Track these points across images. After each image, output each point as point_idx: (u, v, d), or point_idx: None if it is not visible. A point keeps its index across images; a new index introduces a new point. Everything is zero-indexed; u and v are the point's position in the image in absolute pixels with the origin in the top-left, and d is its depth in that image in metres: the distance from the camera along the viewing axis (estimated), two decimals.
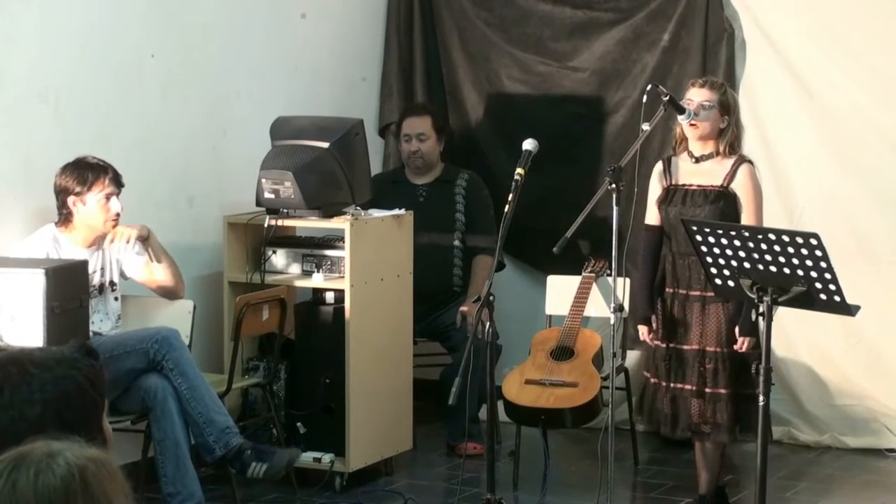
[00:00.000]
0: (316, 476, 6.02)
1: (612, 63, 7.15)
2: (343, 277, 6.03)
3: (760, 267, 4.55)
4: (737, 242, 4.59)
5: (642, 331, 5.53)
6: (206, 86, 6.42)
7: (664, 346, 5.49)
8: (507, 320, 6.58)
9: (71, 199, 5.41)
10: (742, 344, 5.31)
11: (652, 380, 5.57)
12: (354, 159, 6.09)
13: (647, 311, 5.51)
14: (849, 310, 4.52)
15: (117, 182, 5.47)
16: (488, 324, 4.92)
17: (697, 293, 5.41)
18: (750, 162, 5.45)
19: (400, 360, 6.33)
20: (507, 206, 4.98)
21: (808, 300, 4.52)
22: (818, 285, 4.46)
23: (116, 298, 5.67)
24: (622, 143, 6.76)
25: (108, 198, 5.44)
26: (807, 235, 4.45)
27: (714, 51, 6.84)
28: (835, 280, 4.43)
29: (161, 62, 6.16)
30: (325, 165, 5.99)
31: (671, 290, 5.47)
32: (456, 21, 7.50)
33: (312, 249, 6.20)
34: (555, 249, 5.01)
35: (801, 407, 6.82)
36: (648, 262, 5.54)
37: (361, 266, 6.01)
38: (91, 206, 5.42)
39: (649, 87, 5.27)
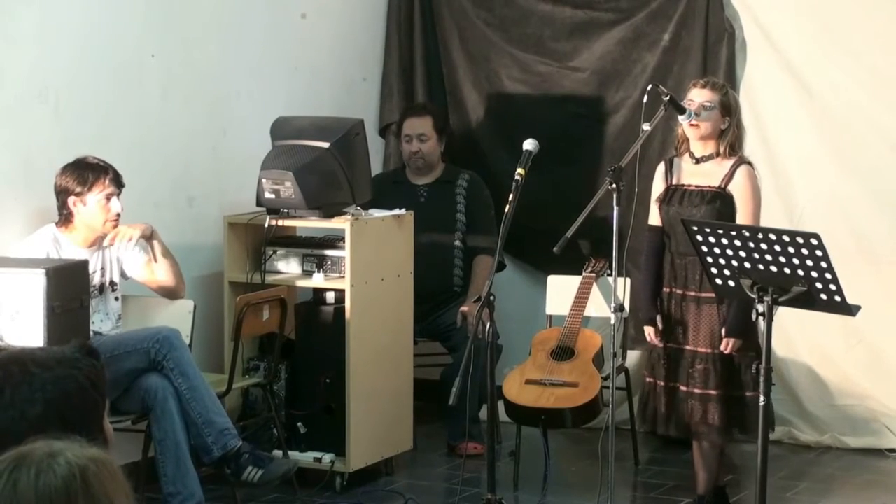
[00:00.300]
0: (316, 476, 6.02)
1: (612, 63, 7.14)
2: (343, 277, 6.03)
3: (761, 267, 4.55)
4: (737, 242, 4.59)
5: (648, 332, 5.52)
6: (207, 86, 6.42)
7: (661, 345, 5.49)
8: (507, 320, 6.58)
9: (71, 200, 5.41)
10: (726, 345, 5.31)
11: (648, 379, 5.57)
12: (355, 159, 6.09)
13: (651, 311, 5.50)
14: (849, 310, 4.52)
15: (118, 182, 5.47)
16: (489, 324, 4.92)
17: (693, 294, 5.40)
18: (749, 163, 5.44)
19: (400, 360, 6.33)
20: (507, 207, 4.98)
21: (808, 300, 4.52)
22: (818, 285, 4.46)
23: (117, 298, 5.67)
24: (622, 143, 6.77)
25: (108, 198, 5.44)
26: (807, 235, 4.45)
27: (714, 51, 6.84)
28: (835, 280, 4.43)
29: (161, 62, 6.16)
30: (325, 165, 5.99)
31: (668, 290, 5.47)
32: (456, 21, 7.50)
33: (313, 249, 6.20)
34: (555, 249, 5.02)
35: (802, 407, 6.82)
36: (652, 263, 5.54)
37: (362, 266, 6.01)
38: (91, 206, 5.42)
39: (650, 87, 5.28)
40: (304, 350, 6.23)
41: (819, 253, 4.41)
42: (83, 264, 5.19)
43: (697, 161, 5.43)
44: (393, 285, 6.22)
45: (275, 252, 6.22)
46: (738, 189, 5.37)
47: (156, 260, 5.65)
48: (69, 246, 5.46)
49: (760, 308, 4.54)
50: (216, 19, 6.47)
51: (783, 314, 5.30)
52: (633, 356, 6.76)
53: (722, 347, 5.32)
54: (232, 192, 6.43)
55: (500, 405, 6.17)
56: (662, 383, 5.48)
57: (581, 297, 6.38)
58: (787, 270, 4.49)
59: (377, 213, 6.19)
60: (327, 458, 6.00)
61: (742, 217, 5.33)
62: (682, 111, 5.32)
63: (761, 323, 4.63)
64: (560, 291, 6.57)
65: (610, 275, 5.44)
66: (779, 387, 6.29)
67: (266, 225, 6.05)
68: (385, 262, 6.18)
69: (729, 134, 5.41)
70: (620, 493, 5.87)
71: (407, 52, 7.53)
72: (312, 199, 5.96)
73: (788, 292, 4.51)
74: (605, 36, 7.15)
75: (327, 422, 6.09)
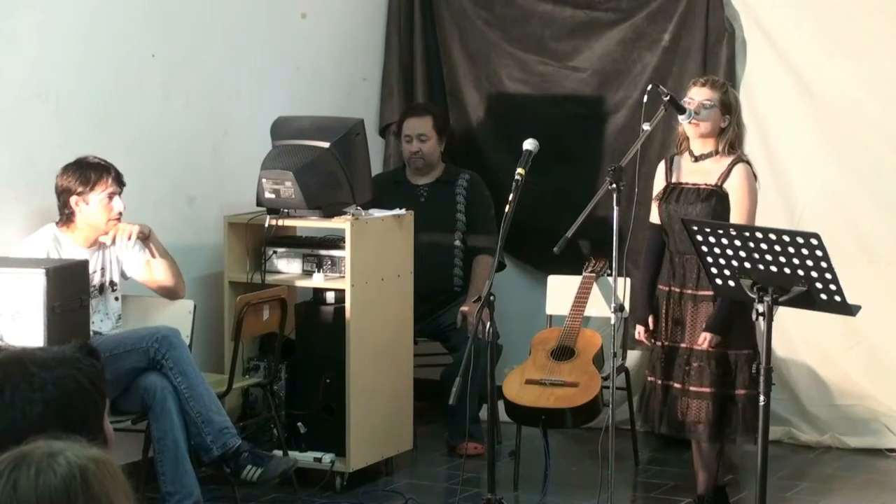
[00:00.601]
0: (316, 476, 6.02)
1: (612, 63, 7.15)
2: (343, 277, 6.03)
3: (761, 267, 4.55)
4: (737, 242, 4.59)
5: (638, 331, 5.53)
6: (207, 86, 6.43)
7: (660, 344, 5.49)
8: (507, 320, 6.58)
9: (73, 199, 5.41)
10: (703, 340, 5.31)
11: (650, 378, 5.57)
12: (355, 159, 6.09)
13: (644, 311, 5.51)
14: (849, 310, 4.52)
15: (119, 181, 5.48)
16: (489, 324, 4.92)
17: (690, 292, 5.40)
18: (747, 162, 5.43)
19: (400, 360, 6.33)
20: (507, 206, 4.98)
21: (808, 300, 4.52)
22: (819, 285, 4.46)
23: (117, 298, 5.68)
24: (623, 143, 6.76)
25: (110, 197, 5.45)
26: (807, 235, 4.45)
27: (715, 51, 6.84)
28: (835, 280, 4.43)
29: (161, 62, 6.16)
30: (325, 165, 5.99)
31: (667, 288, 5.47)
32: (456, 21, 7.50)
33: (313, 249, 6.20)
34: (555, 249, 5.02)
35: (802, 407, 6.82)
36: (651, 261, 5.54)
37: (362, 266, 6.01)
38: (94, 205, 5.43)
39: (650, 87, 5.28)
40: (305, 350, 6.23)
41: (819, 253, 4.41)
42: (83, 264, 5.19)
43: (696, 159, 5.43)
44: (393, 285, 6.22)
45: (275, 252, 6.22)
46: (734, 187, 5.36)
47: (154, 258, 5.65)
48: (70, 245, 5.46)
49: (760, 308, 4.54)
50: (217, 19, 6.47)
51: (783, 314, 5.30)
52: (633, 356, 6.76)
53: (699, 342, 5.32)
54: (232, 191, 6.43)
55: (501, 405, 6.18)
56: (660, 381, 5.48)
57: (581, 297, 6.38)
58: (787, 270, 4.49)
59: (377, 213, 6.19)
60: (327, 457, 6.00)
61: (736, 215, 5.31)
62: (682, 111, 5.32)
63: (761, 323, 4.63)
64: (560, 291, 6.57)
65: (610, 275, 5.44)
66: (779, 387, 6.29)
67: (266, 225, 6.05)
68: (385, 262, 6.18)
69: (729, 132, 5.40)
70: (620, 493, 5.87)
71: (407, 52, 7.53)
72: (312, 199, 5.96)
73: (788, 292, 4.51)
74: (606, 36, 7.15)
75: (327, 422, 6.09)
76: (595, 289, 6.44)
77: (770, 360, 4.59)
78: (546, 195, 6.94)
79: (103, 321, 5.59)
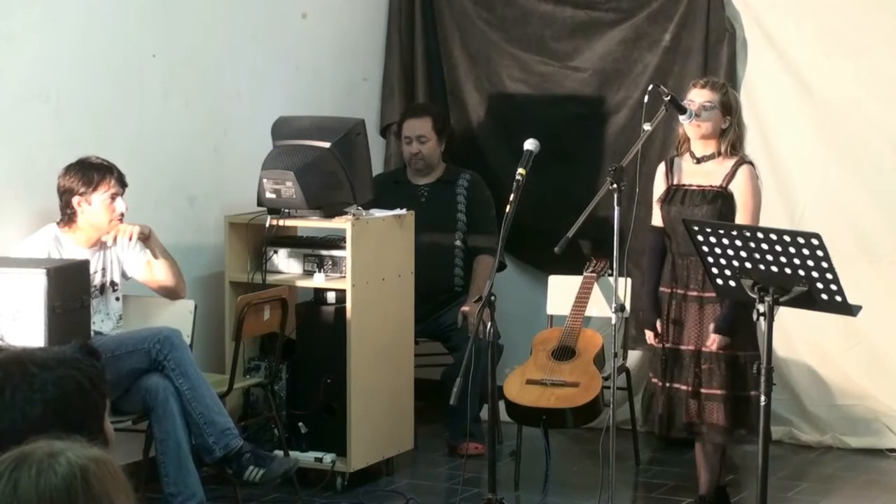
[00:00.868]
0: (317, 476, 6.02)
1: (613, 63, 7.14)
2: (344, 277, 6.03)
3: (762, 267, 4.55)
4: (738, 242, 4.59)
5: (648, 336, 5.52)
6: (208, 86, 6.43)
7: (661, 345, 5.48)
8: (508, 320, 6.58)
9: (76, 200, 5.41)
10: (712, 342, 5.30)
11: (654, 380, 5.57)
12: (356, 159, 6.09)
13: (652, 315, 5.49)
14: (850, 310, 4.52)
15: (122, 182, 5.48)
16: (489, 324, 4.92)
17: (695, 293, 5.40)
18: (751, 163, 5.44)
19: (401, 360, 6.33)
20: (508, 207, 4.98)
21: (809, 300, 4.52)
22: (819, 285, 4.46)
23: (118, 298, 5.68)
24: (623, 143, 6.77)
25: (112, 198, 5.45)
26: (808, 235, 4.45)
27: (715, 51, 6.84)
28: (836, 280, 4.43)
29: (162, 62, 6.16)
30: (326, 165, 5.99)
31: (669, 290, 5.47)
32: (457, 21, 7.50)
33: (314, 249, 6.20)
34: (556, 249, 5.02)
35: (803, 407, 6.82)
36: (653, 265, 5.53)
37: (362, 266, 6.01)
38: (96, 206, 5.43)
39: (650, 87, 5.28)
40: (305, 350, 6.23)
41: (820, 253, 4.41)
42: (84, 264, 5.19)
43: (698, 161, 5.43)
44: (394, 285, 6.22)
45: (276, 252, 6.22)
46: (739, 189, 5.37)
47: (156, 258, 5.66)
48: (71, 246, 5.46)
49: (761, 308, 4.54)
50: (217, 19, 6.47)
51: (784, 314, 5.30)
52: (633, 356, 6.76)
53: (708, 343, 5.32)
54: (233, 192, 6.43)
55: (501, 405, 6.18)
56: (662, 383, 5.48)
57: (582, 297, 6.38)
58: (787, 270, 4.49)
59: (378, 213, 6.19)
60: (328, 458, 6.00)
61: (742, 217, 5.32)
62: (683, 111, 5.32)
63: (762, 323, 4.63)
64: (561, 291, 6.57)
65: (611, 275, 5.44)
66: (779, 387, 6.29)
67: (267, 225, 6.05)
68: (386, 262, 6.18)
69: (730, 133, 5.40)
70: (621, 493, 5.87)
71: (408, 52, 7.53)
72: (313, 199, 5.96)
73: (789, 292, 4.51)
74: (606, 36, 7.15)
75: (328, 422, 6.09)
76: (596, 289, 6.44)
77: (771, 360, 4.59)
78: (547, 195, 6.94)
79: (104, 321, 5.59)
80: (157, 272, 5.68)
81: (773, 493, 5.13)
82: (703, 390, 5.39)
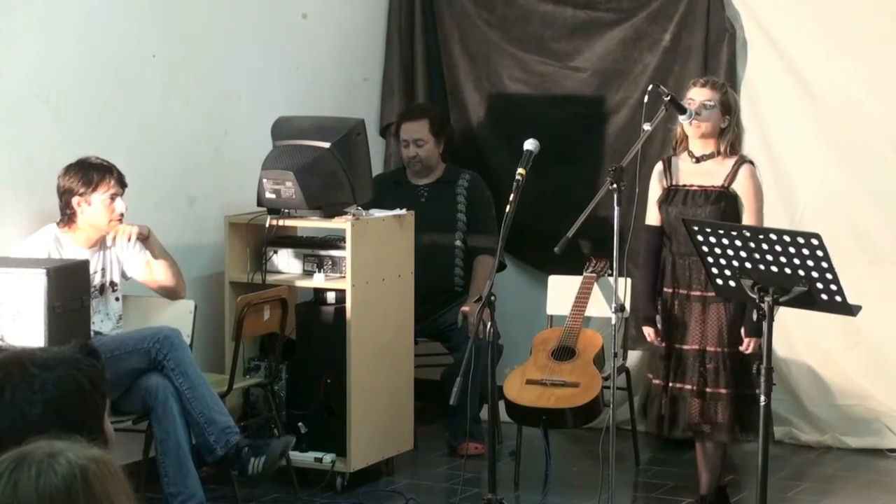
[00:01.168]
0: (317, 476, 6.02)
1: (613, 63, 7.14)
2: (344, 277, 6.03)
3: (761, 267, 4.55)
4: (738, 242, 4.59)
5: (648, 332, 5.52)
6: (208, 86, 6.43)
7: (663, 346, 5.49)
8: (508, 320, 6.57)
9: (75, 200, 5.41)
10: (748, 345, 5.31)
11: (654, 381, 5.57)
12: (356, 159, 6.09)
13: (650, 312, 5.50)
14: (850, 310, 4.52)
15: (121, 182, 5.48)
16: (489, 324, 4.92)
17: (698, 293, 5.40)
18: (751, 162, 5.45)
19: (401, 360, 6.33)
20: (508, 207, 4.98)
21: (809, 300, 4.52)
22: (819, 285, 4.46)
23: (117, 299, 5.68)
24: (623, 143, 6.77)
25: (112, 198, 5.45)
26: (808, 236, 4.45)
27: (715, 51, 6.84)
28: (836, 280, 4.43)
29: (162, 62, 6.16)
30: (326, 165, 5.99)
31: (671, 291, 5.47)
32: (457, 21, 7.50)
33: (314, 249, 6.20)
34: (556, 249, 5.02)
35: (803, 407, 6.82)
36: (650, 263, 5.54)
37: (362, 266, 6.01)
38: (96, 206, 5.43)
39: (650, 87, 5.28)
40: (305, 350, 6.23)
41: (820, 253, 4.41)
42: (84, 264, 5.19)
43: (697, 160, 5.43)
44: (394, 285, 6.22)
45: (276, 252, 6.22)
46: (742, 188, 5.37)
47: (155, 258, 5.66)
48: (70, 246, 5.46)
49: (761, 308, 4.54)
50: (217, 19, 6.47)
51: (784, 314, 5.30)
52: (633, 356, 6.76)
53: (743, 348, 5.32)
54: (233, 192, 6.43)
55: (501, 405, 6.18)
56: (665, 384, 5.48)
57: (582, 298, 6.38)
58: (787, 270, 4.49)
59: (378, 213, 6.19)
60: (328, 458, 6.00)
61: (747, 216, 5.34)
62: (683, 111, 5.33)
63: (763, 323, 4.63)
64: (561, 291, 6.57)
65: (611, 275, 5.44)
66: (779, 387, 6.29)
67: (267, 225, 6.05)
68: (386, 262, 6.18)
69: (729, 133, 5.41)
70: (621, 493, 5.87)
71: (408, 52, 7.53)
72: (313, 199, 5.96)
73: (789, 292, 4.51)
74: (606, 36, 7.15)
75: (328, 422, 6.09)
76: (596, 289, 6.44)
77: (770, 360, 4.59)
78: (547, 195, 6.94)
79: (104, 321, 5.59)
80: (156, 272, 5.68)
81: (773, 493, 5.13)
82: (708, 390, 5.39)
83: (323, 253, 6.17)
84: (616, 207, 5.01)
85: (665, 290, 5.48)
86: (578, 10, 7.21)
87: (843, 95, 6.68)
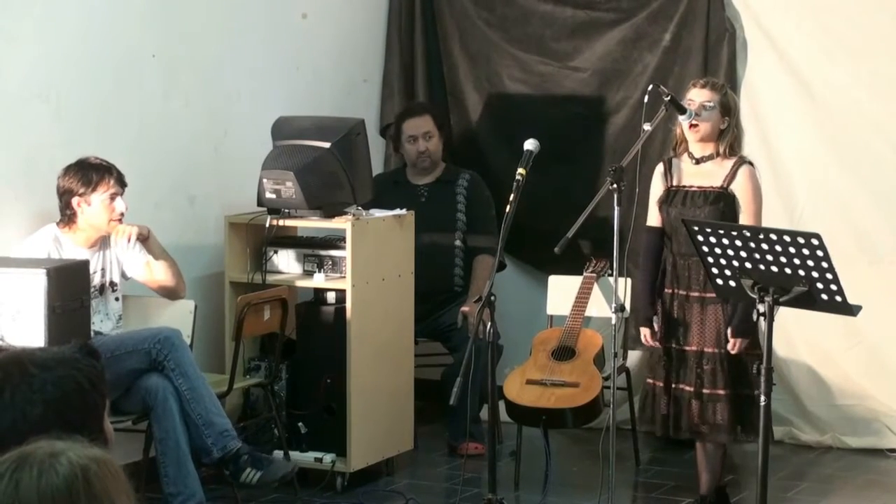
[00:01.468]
0: (317, 476, 6.02)
1: (613, 63, 7.14)
2: (344, 277, 6.03)
3: (762, 267, 4.55)
4: (738, 242, 4.59)
5: (644, 333, 5.53)
6: (208, 86, 6.43)
7: (662, 347, 5.49)
8: (508, 320, 6.58)
9: (75, 200, 5.41)
10: (734, 345, 5.31)
11: (649, 381, 5.56)
12: (356, 159, 6.09)
13: (649, 312, 5.50)
14: (850, 310, 4.52)
15: (121, 182, 5.48)
16: (489, 324, 4.92)
17: (697, 294, 5.41)
18: (750, 163, 5.45)
19: (401, 360, 6.33)
20: (508, 207, 4.98)
21: (809, 300, 4.52)
22: (819, 285, 4.46)
23: (117, 299, 5.68)
24: (623, 143, 6.77)
25: (112, 198, 5.45)
26: (808, 236, 4.45)
27: (715, 51, 6.84)
28: (836, 280, 4.43)
29: (162, 62, 6.16)
30: (326, 165, 5.99)
31: (671, 291, 5.47)
32: (457, 21, 7.50)
33: (314, 249, 6.20)
34: (556, 249, 5.03)
35: (803, 407, 6.82)
36: (650, 264, 5.54)
37: (362, 266, 6.01)
38: (96, 206, 5.43)
39: (650, 87, 5.28)
40: (305, 350, 6.23)
41: (820, 253, 4.41)
42: (84, 264, 5.19)
43: (697, 161, 5.44)
44: (394, 285, 6.22)
45: (276, 252, 6.22)
46: (741, 189, 5.37)
47: (157, 259, 5.66)
48: (70, 246, 5.46)
49: (761, 308, 4.54)
50: (217, 19, 6.47)
51: (783, 314, 5.30)
52: (633, 356, 6.76)
53: (729, 347, 5.32)
54: (233, 192, 6.43)
55: (501, 405, 6.18)
56: (663, 384, 5.48)
57: (582, 298, 6.39)
58: (787, 270, 4.49)
59: (378, 213, 6.19)
60: (328, 458, 6.00)
61: (745, 217, 5.34)
62: (683, 111, 5.33)
63: (762, 323, 4.63)
64: (561, 291, 6.57)
65: (611, 275, 5.44)
66: (779, 387, 6.29)
67: (267, 225, 6.05)
68: (386, 262, 6.18)
69: (728, 134, 5.41)
70: (621, 493, 5.87)
71: (408, 52, 7.53)
72: (313, 199, 5.96)
73: (789, 292, 4.51)
74: (606, 36, 7.15)
75: (328, 422, 6.09)
76: (596, 289, 6.44)
77: (770, 360, 4.59)
78: (547, 195, 6.93)
79: (104, 321, 5.59)
80: (156, 272, 5.68)
81: (773, 493, 5.13)
82: (705, 391, 5.39)
83: (323, 253, 6.17)
84: (616, 207, 5.01)
85: (665, 290, 5.49)
86: (578, 10, 7.21)
87: (843, 96, 6.68)
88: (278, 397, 6.17)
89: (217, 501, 5.74)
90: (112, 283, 5.64)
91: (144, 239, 5.62)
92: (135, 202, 5.64)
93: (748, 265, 4.58)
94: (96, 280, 5.53)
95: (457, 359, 6.46)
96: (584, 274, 6.48)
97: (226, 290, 6.17)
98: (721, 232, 4.64)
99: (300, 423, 6.15)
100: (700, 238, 4.69)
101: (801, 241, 4.44)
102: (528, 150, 5.11)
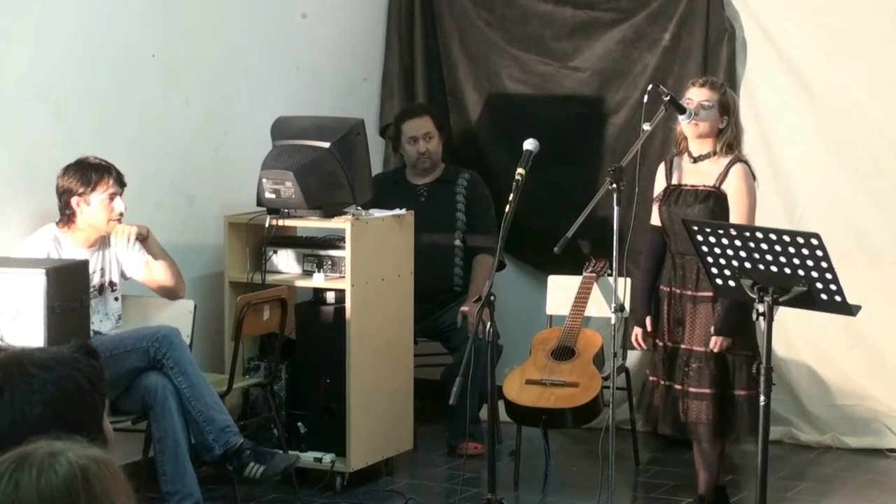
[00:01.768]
0: (317, 476, 6.02)
1: (612, 63, 7.14)
2: (344, 277, 6.03)
3: (761, 267, 4.55)
4: (737, 242, 4.59)
5: (636, 333, 5.53)
6: (207, 86, 6.42)
7: (661, 344, 5.49)
8: (507, 320, 6.58)
9: (74, 200, 5.41)
10: (715, 344, 5.30)
11: (651, 378, 5.57)
12: (355, 159, 6.09)
13: (642, 313, 5.51)
14: (850, 310, 4.52)
15: (120, 182, 5.48)
16: (489, 324, 4.92)
17: (690, 293, 5.40)
18: (745, 162, 5.43)
19: (401, 359, 6.33)
20: (507, 206, 4.98)
21: (808, 300, 4.52)
22: (819, 285, 4.46)
23: (117, 299, 5.68)
24: (623, 143, 6.76)
25: (111, 198, 5.45)
26: (808, 235, 4.45)
27: (715, 51, 6.83)
28: (836, 280, 4.43)
29: (162, 62, 6.16)
30: (325, 165, 5.99)
31: (667, 290, 5.47)
32: (457, 21, 7.50)
33: (313, 249, 6.20)
34: (556, 249, 5.03)
35: (802, 407, 6.82)
36: (651, 264, 5.54)
37: (362, 266, 6.01)
38: (95, 206, 5.43)
39: (650, 87, 5.28)
40: (305, 350, 6.23)
41: (819, 253, 4.41)
42: (83, 264, 5.19)
43: (695, 160, 5.44)
44: (393, 285, 6.22)
45: (275, 252, 6.22)
46: (732, 188, 5.36)
47: (156, 259, 5.66)
48: (70, 246, 5.46)
49: (761, 308, 4.54)
50: (217, 19, 6.47)
51: (783, 314, 5.30)
52: (633, 356, 6.75)
53: (710, 345, 5.31)
54: (232, 191, 6.43)
55: (501, 405, 6.18)
56: (662, 381, 5.49)
57: (581, 297, 6.39)
58: (787, 270, 4.49)
59: (377, 213, 6.19)
60: (328, 458, 6.00)
61: (735, 216, 5.31)
62: (683, 111, 5.33)
63: (761, 323, 4.63)
64: (560, 291, 6.57)
65: (610, 275, 5.44)
66: (779, 387, 6.29)
67: (266, 225, 6.05)
68: (385, 261, 6.18)
69: (727, 133, 5.41)
70: (621, 493, 5.87)
71: (407, 52, 7.53)
72: (313, 199, 5.96)
73: (789, 292, 4.51)
74: (606, 36, 7.15)
75: (328, 422, 6.09)
76: (595, 289, 6.44)
77: (770, 360, 4.59)
78: (547, 195, 6.94)
79: (103, 321, 5.59)
80: (156, 272, 5.68)
81: (772, 493, 5.13)
82: (691, 389, 5.39)
83: (322, 253, 6.17)
84: (616, 207, 5.01)
85: (662, 288, 5.49)
86: (578, 10, 7.21)
87: (843, 95, 6.68)
88: (278, 397, 6.17)
89: (217, 501, 5.74)
90: (111, 283, 5.64)
91: (144, 239, 5.62)
92: (134, 202, 5.64)
93: (748, 265, 4.58)
94: (96, 280, 5.53)
95: (456, 359, 6.46)
96: (584, 274, 6.48)
97: (225, 290, 6.17)
98: (721, 232, 4.64)
99: (300, 423, 6.15)
100: (700, 238, 4.69)
101: (801, 240, 4.44)
102: (527, 150, 5.11)
